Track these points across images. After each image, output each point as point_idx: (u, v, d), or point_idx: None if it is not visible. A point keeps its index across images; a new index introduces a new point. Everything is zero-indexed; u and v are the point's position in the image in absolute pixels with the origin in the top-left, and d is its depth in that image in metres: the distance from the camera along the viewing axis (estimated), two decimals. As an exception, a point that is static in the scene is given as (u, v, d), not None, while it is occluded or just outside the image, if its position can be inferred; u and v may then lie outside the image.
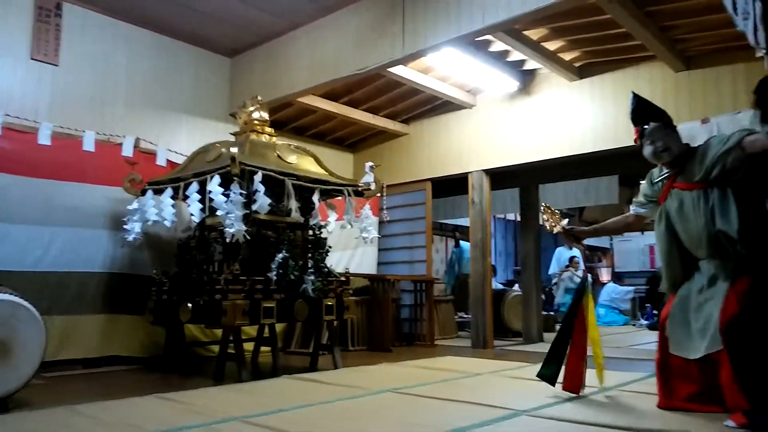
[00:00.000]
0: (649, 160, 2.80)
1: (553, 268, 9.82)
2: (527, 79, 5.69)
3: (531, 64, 5.43)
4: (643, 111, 2.79)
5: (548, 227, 3.15)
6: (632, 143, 5.02)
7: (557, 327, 8.39)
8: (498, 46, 5.02)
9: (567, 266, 9.39)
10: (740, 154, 2.46)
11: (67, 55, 4.67)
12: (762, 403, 2.22)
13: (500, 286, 8.27)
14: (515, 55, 5.22)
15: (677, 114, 4.79)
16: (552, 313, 8.77)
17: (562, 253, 9.86)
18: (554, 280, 9.62)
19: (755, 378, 2.26)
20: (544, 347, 6.24)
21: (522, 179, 6.71)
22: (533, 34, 4.79)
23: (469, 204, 6.09)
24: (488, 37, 4.70)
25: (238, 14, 5.02)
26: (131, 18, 5.05)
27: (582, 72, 5.33)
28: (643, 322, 9.79)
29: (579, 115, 5.29)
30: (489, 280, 6.00)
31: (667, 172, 2.75)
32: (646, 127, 2.73)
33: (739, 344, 2.32)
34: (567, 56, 5.20)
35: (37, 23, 4.55)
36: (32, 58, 4.50)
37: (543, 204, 3.27)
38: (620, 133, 4.92)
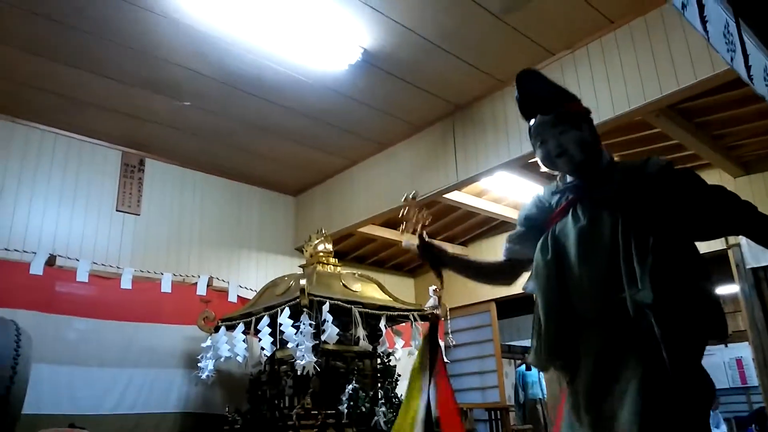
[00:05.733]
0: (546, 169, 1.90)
1: None
2: (582, 194, 5.74)
3: (584, 180, 5.51)
4: (531, 100, 1.85)
5: (405, 228, 2.10)
6: (702, 252, 4.94)
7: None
8: (550, 165, 5.15)
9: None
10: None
11: (147, 204, 5.10)
12: None
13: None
14: (568, 173, 5.33)
15: (744, 218, 4.71)
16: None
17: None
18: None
19: None
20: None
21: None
22: (583, 152, 4.92)
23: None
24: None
25: (300, 156, 5.41)
26: (203, 167, 5.52)
27: (637, 184, 5.36)
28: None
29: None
30: (567, 403, 5.66)
31: (572, 182, 1.82)
32: (532, 122, 1.85)
33: None
34: (620, 170, 5.27)
35: (122, 179, 5.03)
36: (117, 210, 4.92)
37: (407, 195, 2.19)
38: (687, 241, 4.84)
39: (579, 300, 1.64)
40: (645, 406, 1.43)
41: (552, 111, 1.79)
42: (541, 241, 1.78)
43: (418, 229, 2.05)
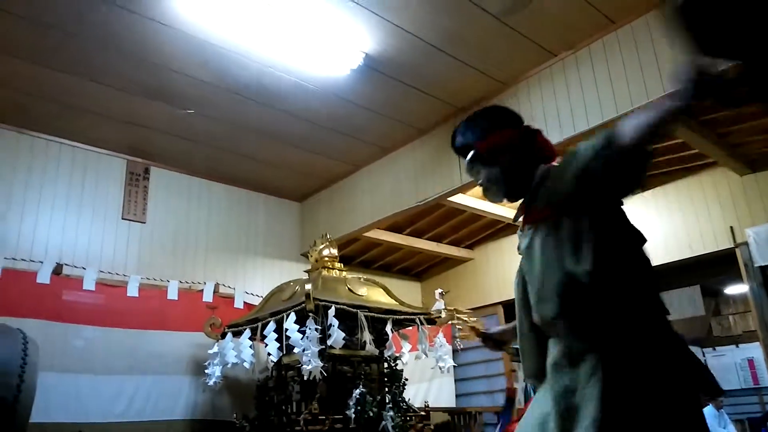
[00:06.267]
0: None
1: None
2: (588, 195, 5.72)
3: (589, 181, 5.49)
4: (455, 149, 1.87)
5: (461, 338, 2.41)
6: (709, 251, 4.92)
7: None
8: (554, 167, 5.14)
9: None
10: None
11: (153, 212, 5.12)
12: None
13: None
14: (572, 174, 5.31)
15: (751, 217, 4.69)
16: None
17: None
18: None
19: None
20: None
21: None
22: (588, 152, 4.90)
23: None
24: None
25: (304, 162, 5.42)
26: (208, 175, 5.54)
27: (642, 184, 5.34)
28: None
29: (646, 226, 5.18)
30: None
31: (521, 205, 1.84)
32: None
33: None
34: (625, 170, 5.25)
35: (127, 187, 5.06)
36: (123, 218, 4.95)
37: (446, 308, 2.37)
38: (694, 241, 4.82)
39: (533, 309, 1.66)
40: (604, 411, 1.38)
41: (466, 154, 1.80)
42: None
43: (475, 332, 2.26)
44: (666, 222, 5.12)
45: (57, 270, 4.25)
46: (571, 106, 3.98)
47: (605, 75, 3.81)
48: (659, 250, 5.09)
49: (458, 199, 5.28)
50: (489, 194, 1.82)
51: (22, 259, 4.22)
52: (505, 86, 4.39)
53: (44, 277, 4.15)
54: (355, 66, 3.99)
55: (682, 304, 7.12)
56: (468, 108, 4.66)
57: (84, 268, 4.41)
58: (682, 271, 5.36)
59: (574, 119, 3.95)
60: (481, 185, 1.81)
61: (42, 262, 4.23)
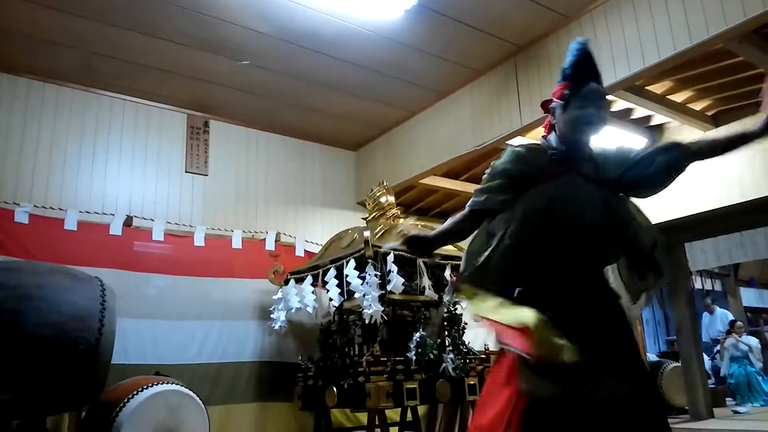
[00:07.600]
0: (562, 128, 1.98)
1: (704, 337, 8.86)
2: (656, 134, 5.44)
3: (658, 119, 5.21)
4: (590, 66, 1.98)
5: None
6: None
7: (728, 401, 7.53)
8: (620, 104, 4.90)
9: (729, 331, 8.42)
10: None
11: (214, 165, 5.24)
12: None
13: (655, 358, 7.57)
14: (640, 112, 5.05)
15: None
16: (720, 386, 7.83)
17: (711, 319, 8.95)
18: (716, 348, 8.65)
19: None
20: (716, 424, 5.63)
21: (665, 238, 6.26)
22: (657, 88, 4.64)
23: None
24: (608, 96, 4.59)
25: (359, 110, 5.38)
26: (266, 127, 5.59)
27: (717, 120, 5.03)
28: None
29: (720, 164, 4.92)
30: (643, 352, 5.53)
31: (564, 152, 1.99)
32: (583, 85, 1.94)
33: None
34: (697, 106, 4.95)
35: (189, 141, 5.18)
36: (186, 171, 5.09)
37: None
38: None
39: None
40: None
41: (601, 84, 1.96)
42: None
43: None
44: (742, 159, 4.80)
45: (127, 222, 4.44)
46: (640, 37, 3.73)
47: (678, 1, 3.54)
48: (733, 190, 4.83)
49: (518, 141, 5.12)
50: (594, 128, 1.94)
51: (95, 212, 4.43)
52: (568, 20, 4.16)
53: (116, 228, 4.34)
54: (408, 6, 3.87)
55: (757, 246, 6.79)
56: (528, 46, 4.46)
57: (152, 220, 4.59)
58: (757, 211, 5.07)
59: (643, 52, 3.71)
60: (599, 117, 1.93)
61: (113, 215, 4.42)
